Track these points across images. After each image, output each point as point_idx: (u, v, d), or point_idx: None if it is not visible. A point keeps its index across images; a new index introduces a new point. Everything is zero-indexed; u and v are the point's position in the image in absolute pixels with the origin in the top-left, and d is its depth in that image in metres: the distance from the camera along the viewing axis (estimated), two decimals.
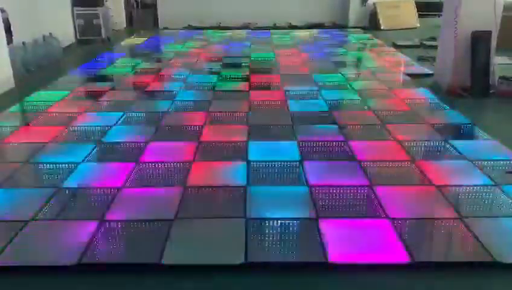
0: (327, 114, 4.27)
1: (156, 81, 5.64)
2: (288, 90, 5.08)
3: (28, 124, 4.06)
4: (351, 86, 5.30)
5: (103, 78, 5.93)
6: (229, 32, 10.16)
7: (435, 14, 11.82)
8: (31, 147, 3.46)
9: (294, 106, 4.51)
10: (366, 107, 4.46)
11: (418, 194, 2.80)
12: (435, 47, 6.56)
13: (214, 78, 5.74)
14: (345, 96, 4.92)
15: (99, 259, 2.19)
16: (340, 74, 5.88)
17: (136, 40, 9.11)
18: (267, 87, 5.42)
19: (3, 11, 5.53)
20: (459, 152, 3.34)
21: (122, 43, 8.89)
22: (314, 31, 10.31)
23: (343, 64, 6.70)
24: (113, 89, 5.30)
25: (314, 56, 7.30)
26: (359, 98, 4.81)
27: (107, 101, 4.78)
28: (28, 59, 6.44)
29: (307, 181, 2.89)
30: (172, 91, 5.12)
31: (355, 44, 8.58)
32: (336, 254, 2.16)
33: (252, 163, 3.15)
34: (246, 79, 5.68)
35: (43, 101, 4.68)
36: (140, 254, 2.21)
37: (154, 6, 11.67)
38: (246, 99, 4.74)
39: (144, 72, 6.17)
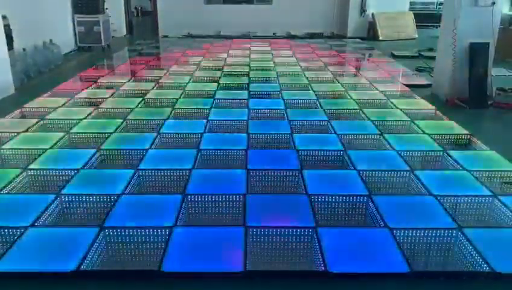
0: (326, 123, 4.29)
1: None
2: None
3: (27, 130, 4.05)
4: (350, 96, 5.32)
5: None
6: None
7: (433, 25, 11.95)
8: (29, 154, 3.46)
9: None
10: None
11: (417, 204, 2.81)
12: (432, 58, 6.62)
13: None
14: (343, 106, 4.92)
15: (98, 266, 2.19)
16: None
17: None
18: None
19: (4, 17, 5.56)
20: (457, 162, 3.36)
21: None
22: None
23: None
24: None
25: None
26: (357, 107, 4.83)
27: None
28: (28, 65, 6.46)
29: None
30: None
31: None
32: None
33: None
34: None
35: (43, 108, 4.68)
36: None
37: (154, 14, 11.75)
38: None
39: None
